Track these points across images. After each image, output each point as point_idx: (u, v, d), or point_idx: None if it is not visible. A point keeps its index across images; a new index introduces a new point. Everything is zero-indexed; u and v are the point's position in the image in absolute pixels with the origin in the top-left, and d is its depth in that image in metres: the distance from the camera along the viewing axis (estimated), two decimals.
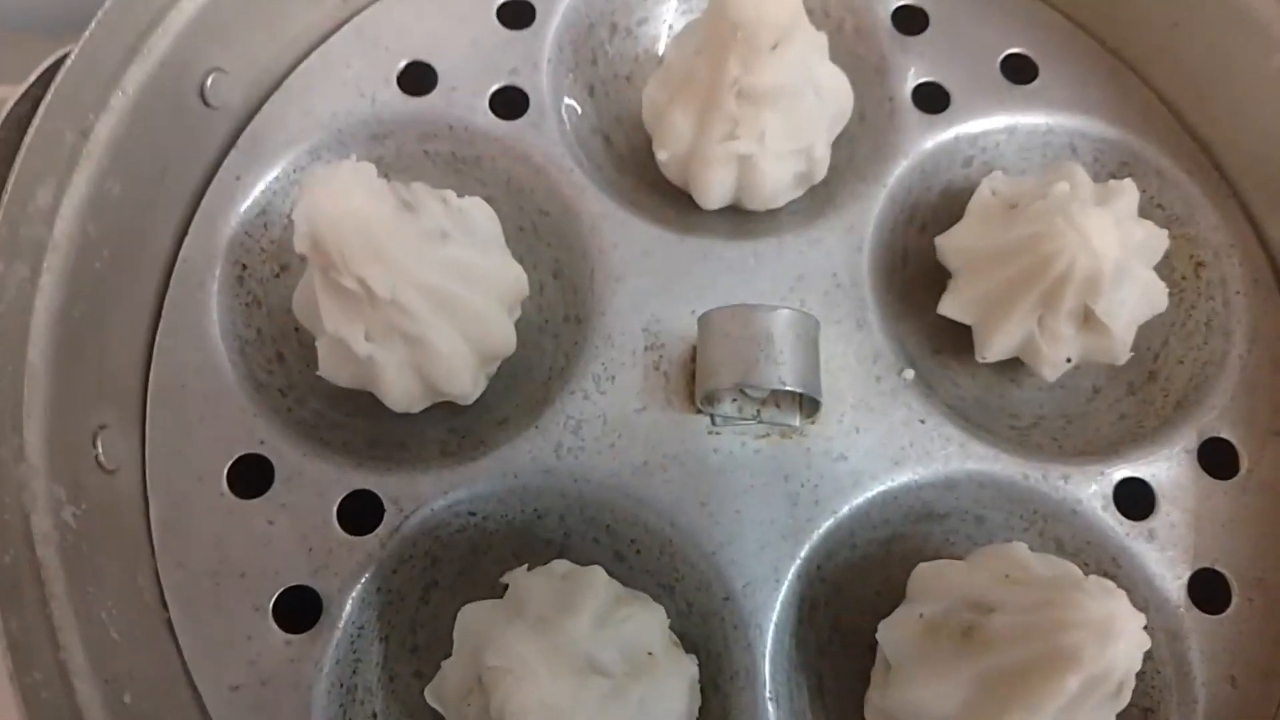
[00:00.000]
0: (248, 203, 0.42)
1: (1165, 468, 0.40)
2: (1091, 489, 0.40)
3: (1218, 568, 0.39)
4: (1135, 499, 0.40)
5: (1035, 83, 0.46)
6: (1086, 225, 0.36)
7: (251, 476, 0.39)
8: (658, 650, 0.36)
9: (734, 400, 0.40)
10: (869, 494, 0.39)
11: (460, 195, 0.40)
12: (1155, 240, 0.40)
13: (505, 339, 0.40)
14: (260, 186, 0.43)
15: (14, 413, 0.33)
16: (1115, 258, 0.36)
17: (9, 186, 0.33)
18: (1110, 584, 0.32)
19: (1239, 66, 0.42)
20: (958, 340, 0.43)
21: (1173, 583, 0.39)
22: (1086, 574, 0.36)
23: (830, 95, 0.43)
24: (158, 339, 0.40)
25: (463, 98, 0.44)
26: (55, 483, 0.34)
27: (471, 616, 0.36)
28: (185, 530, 0.38)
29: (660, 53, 0.48)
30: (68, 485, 0.34)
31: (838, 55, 0.43)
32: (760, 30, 0.38)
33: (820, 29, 0.42)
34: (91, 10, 0.36)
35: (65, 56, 0.36)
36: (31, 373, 0.34)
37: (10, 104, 0.36)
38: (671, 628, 0.38)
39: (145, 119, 0.38)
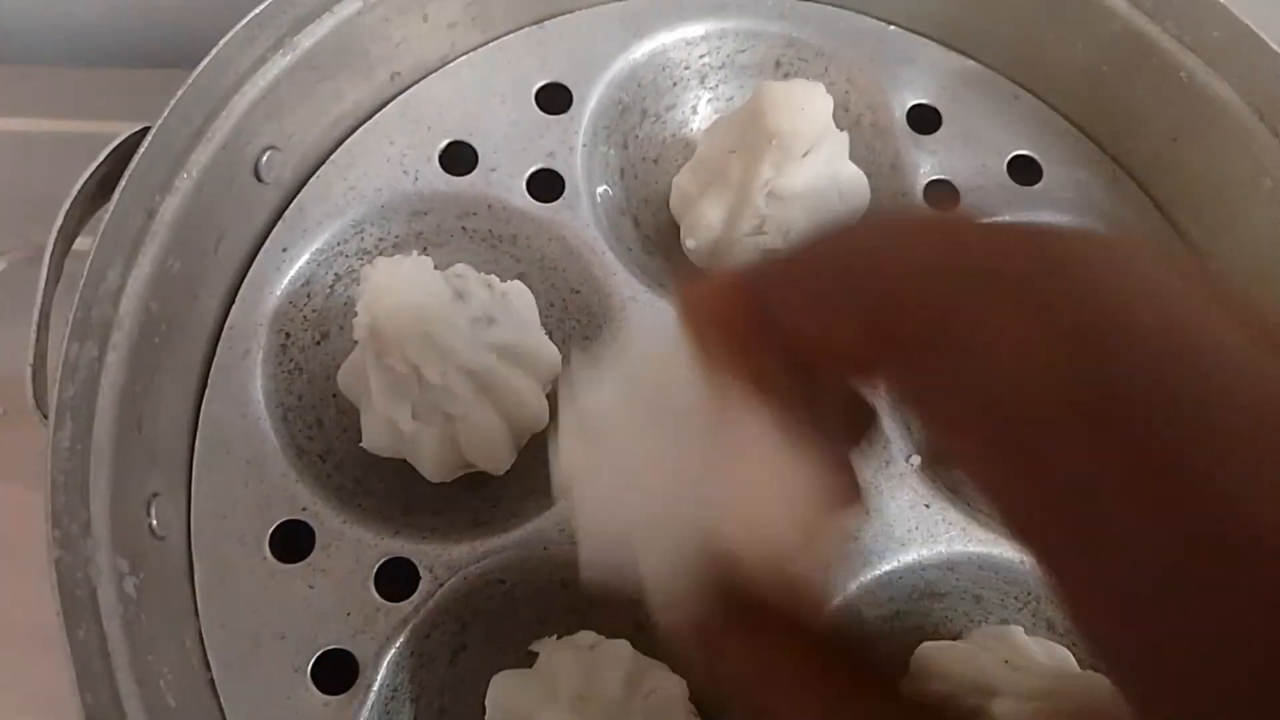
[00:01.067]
0: (292, 273, 0.44)
1: None
2: None
3: None
4: None
5: (1040, 184, 0.49)
6: None
7: (292, 541, 0.41)
8: None
9: None
10: (877, 572, 0.42)
11: (494, 271, 0.42)
12: None
13: (539, 415, 0.42)
14: (304, 258, 0.44)
15: (81, 488, 0.35)
16: None
17: (85, 269, 0.35)
18: (1102, 679, 0.35)
19: (1234, 182, 0.46)
20: None
21: None
22: (1075, 654, 0.39)
23: (850, 193, 0.45)
24: (204, 405, 0.42)
25: (501, 179, 0.46)
26: (118, 554, 0.35)
27: (504, 688, 0.38)
28: (228, 593, 0.40)
29: (685, 136, 0.50)
30: (128, 555, 0.36)
31: (856, 150, 0.46)
32: (795, 139, 0.40)
33: (840, 125, 0.45)
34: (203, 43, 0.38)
35: (135, 135, 0.37)
36: (97, 449, 0.36)
37: (83, 180, 0.37)
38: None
39: (205, 197, 0.40)
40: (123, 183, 0.36)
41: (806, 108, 0.39)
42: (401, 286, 0.35)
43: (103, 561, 0.35)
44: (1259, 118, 0.44)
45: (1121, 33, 0.47)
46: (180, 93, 0.38)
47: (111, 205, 0.35)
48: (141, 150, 0.36)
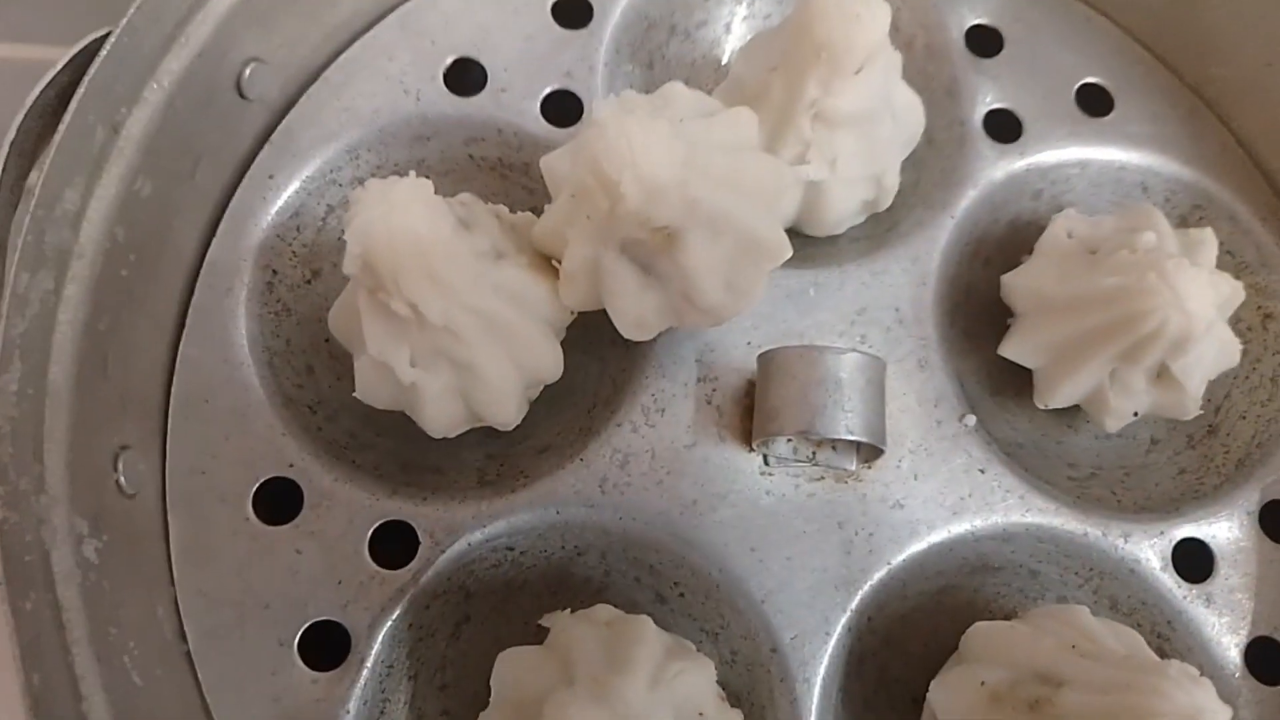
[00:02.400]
0: (280, 203, 0.40)
1: (1225, 529, 0.39)
2: (1150, 548, 0.38)
3: (1276, 636, 0.38)
4: (1194, 560, 0.39)
5: (1110, 115, 0.44)
6: (1182, 285, 0.34)
7: (279, 501, 0.37)
8: (709, 710, 0.34)
9: (789, 440, 0.38)
10: (925, 544, 0.38)
11: (504, 204, 0.38)
12: (1234, 294, 0.39)
13: (554, 364, 0.37)
14: (293, 186, 0.40)
15: (34, 438, 0.31)
16: (1208, 318, 0.35)
17: (36, 189, 0.30)
18: (1194, 671, 0.31)
19: None
20: (1016, 382, 0.41)
21: (1229, 649, 0.38)
22: (1142, 634, 0.36)
23: (904, 118, 0.40)
24: (181, 349, 0.38)
25: (513, 100, 0.41)
26: (76, 514, 0.31)
27: (512, 665, 0.34)
28: (207, 557, 0.36)
29: (718, 58, 0.46)
30: (89, 516, 0.32)
31: (909, 74, 0.41)
32: (847, 53, 0.35)
33: (893, 46, 0.40)
34: None
35: (96, 41, 0.33)
36: (54, 393, 0.31)
37: (35, 92, 0.33)
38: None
39: (179, 113, 0.36)
40: (81, 90, 0.31)
41: (862, 16, 0.35)
42: (397, 212, 0.31)
43: (58, 522, 0.31)
44: None
45: None
46: None
47: (68, 116, 0.31)
48: (103, 53, 0.32)
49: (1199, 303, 0.34)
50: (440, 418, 0.36)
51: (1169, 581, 0.38)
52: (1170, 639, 0.38)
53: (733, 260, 0.34)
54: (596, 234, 0.33)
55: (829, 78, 0.36)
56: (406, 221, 0.31)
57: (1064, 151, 0.43)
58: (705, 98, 0.36)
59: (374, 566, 0.36)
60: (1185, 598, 0.38)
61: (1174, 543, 0.39)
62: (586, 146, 0.30)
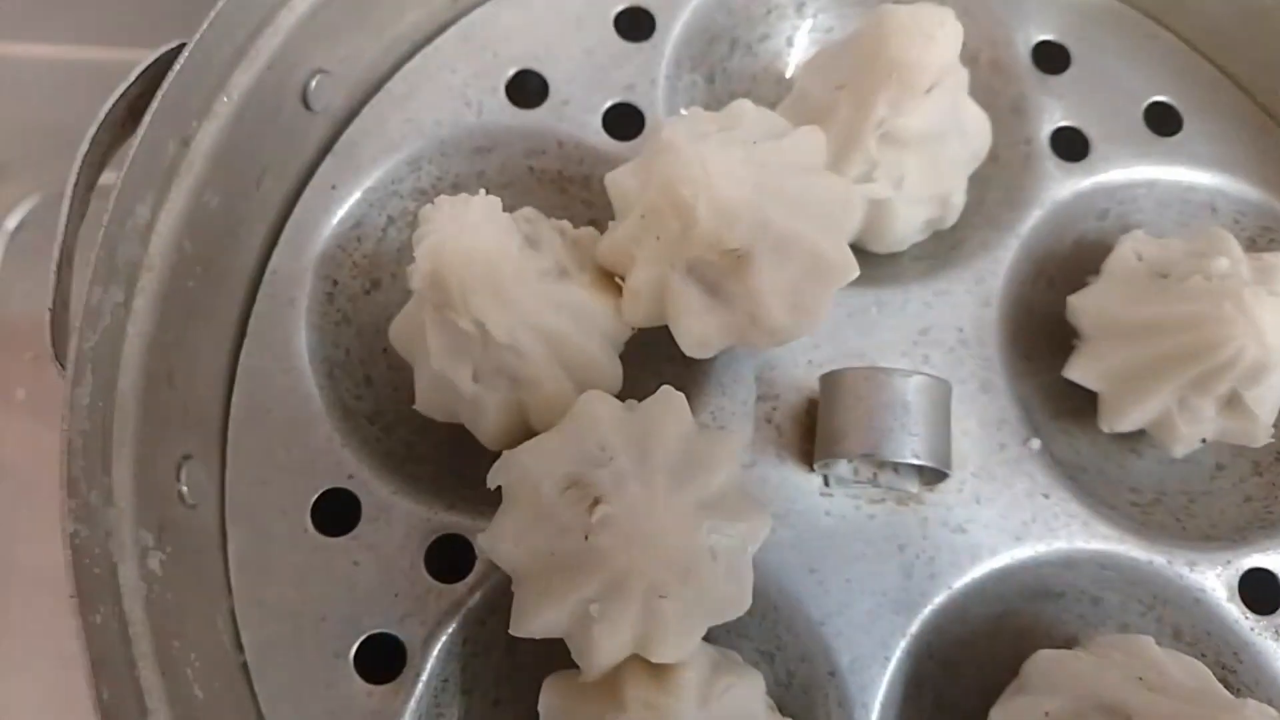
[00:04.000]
0: (341, 213, 0.40)
1: None
2: (1216, 578, 0.38)
3: None
4: (1262, 591, 0.38)
5: (1179, 135, 0.43)
6: (1260, 316, 0.34)
7: (337, 512, 0.37)
8: None
9: (850, 462, 0.38)
10: (987, 569, 0.37)
11: (565, 217, 0.38)
12: None
13: (613, 380, 0.37)
14: (355, 196, 0.40)
15: (103, 451, 0.31)
16: None
17: (110, 202, 0.30)
18: (1272, 712, 0.31)
19: None
20: (1078, 403, 0.41)
21: None
22: (1206, 666, 0.35)
23: (971, 137, 0.40)
24: (242, 359, 0.38)
25: (574, 113, 0.41)
26: (142, 527, 0.31)
27: (560, 691, 0.34)
28: (265, 567, 0.36)
29: (780, 72, 0.45)
30: (154, 528, 0.32)
31: (973, 90, 0.40)
32: (921, 73, 0.35)
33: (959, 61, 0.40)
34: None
35: (169, 54, 0.33)
36: (121, 405, 0.31)
37: (108, 105, 0.33)
38: (769, 695, 0.36)
39: (247, 125, 0.36)
40: (155, 104, 0.31)
41: (936, 36, 0.34)
42: (468, 230, 0.31)
43: (125, 535, 0.31)
44: None
45: None
46: (221, 4, 0.33)
47: (141, 130, 0.31)
48: (176, 68, 0.32)
49: (1277, 334, 0.34)
50: (500, 432, 0.36)
51: (1235, 612, 0.38)
52: (1237, 671, 0.38)
53: (799, 281, 0.33)
54: (665, 254, 0.33)
55: (899, 98, 0.36)
56: (477, 242, 0.31)
57: (1131, 171, 0.42)
58: (773, 116, 0.35)
59: (430, 580, 0.36)
60: (1253, 629, 0.38)
61: (1241, 572, 0.38)
62: (660, 169, 0.30)
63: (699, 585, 0.30)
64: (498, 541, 0.31)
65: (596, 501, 0.28)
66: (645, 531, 0.28)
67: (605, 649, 0.30)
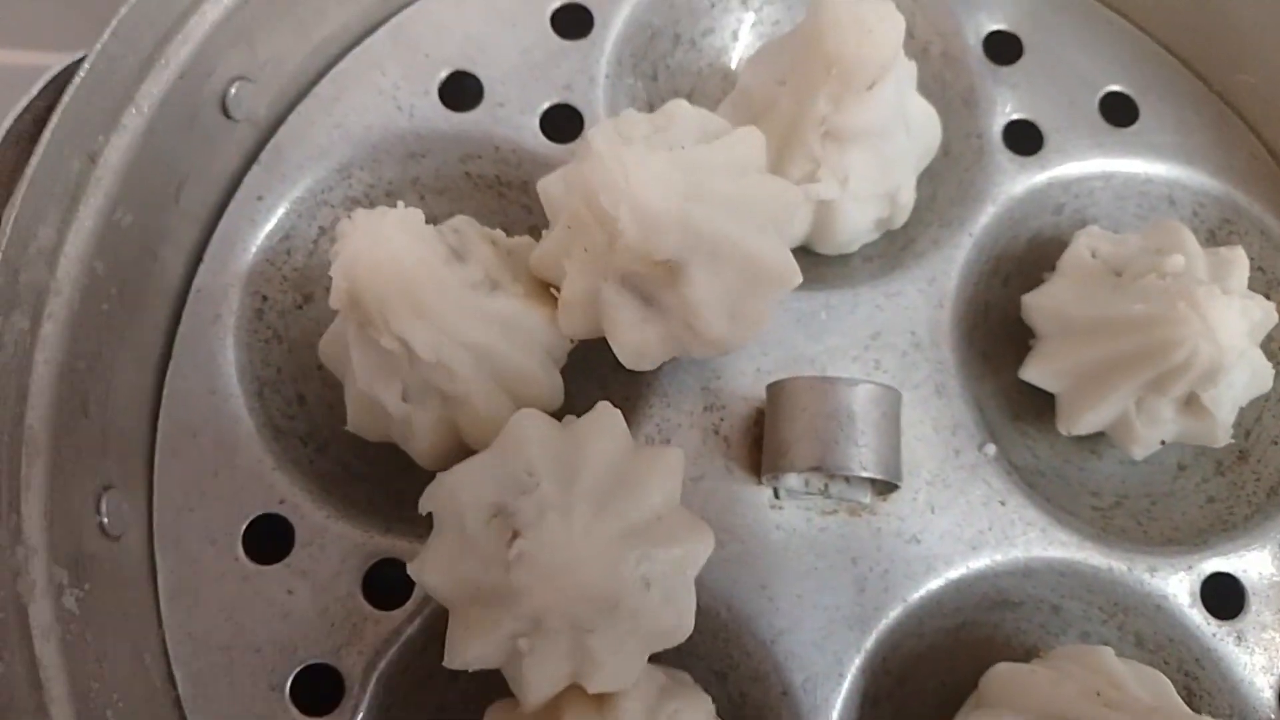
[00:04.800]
0: (269, 226, 0.38)
1: (1257, 562, 0.37)
2: (1178, 583, 0.37)
3: None
4: (1224, 595, 0.37)
5: (1135, 126, 0.42)
6: (1214, 316, 0.33)
7: (270, 539, 0.35)
8: None
9: (799, 473, 0.37)
10: (943, 580, 0.36)
11: (502, 224, 0.37)
12: (1266, 319, 0.37)
13: (551, 394, 0.36)
14: (283, 208, 0.38)
15: (10, 487, 0.29)
16: (1240, 349, 0.33)
17: (8, 226, 0.29)
18: None
19: None
20: (1037, 405, 0.40)
21: (1262, 691, 0.36)
22: (1168, 673, 0.34)
23: (919, 131, 0.39)
24: (167, 381, 0.36)
25: (511, 115, 0.40)
26: (56, 564, 0.30)
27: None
28: (196, 598, 0.35)
29: (725, 67, 0.44)
30: (69, 565, 0.30)
31: (923, 83, 0.39)
32: (860, 69, 0.34)
33: (905, 52, 0.38)
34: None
35: (71, 67, 0.31)
36: (30, 438, 0.30)
37: (9, 120, 0.31)
38: (721, 717, 0.35)
39: (160, 137, 0.34)
40: (53, 121, 0.30)
41: (875, 29, 0.33)
42: (384, 244, 0.29)
43: (36, 574, 0.29)
44: None
45: None
46: (123, 11, 0.31)
47: (40, 149, 0.29)
48: (76, 81, 0.30)
49: (1231, 334, 0.33)
50: (433, 451, 0.35)
51: (1198, 618, 0.37)
52: (1199, 678, 0.37)
53: (737, 289, 0.32)
54: (595, 266, 0.31)
55: (840, 94, 0.34)
56: (392, 255, 0.30)
57: (1087, 164, 0.41)
58: (710, 116, 0.34)
59: (368, 608, 0.35)
60: (1215, 635, 0.37)
61: (1203, 577, 0.37)
62: (582, 178, 0.28)
63: (631, 616, 0.28)
64: (425, 572, 0.30)
65: (515, 535, 0.27)
66: (562, 567, 0.26)
67: (538, 683, 0.29)
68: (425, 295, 0.31)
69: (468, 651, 0.30)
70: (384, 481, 0.38)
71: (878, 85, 0.35)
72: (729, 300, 0.32)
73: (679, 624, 0.31)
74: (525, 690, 0.29)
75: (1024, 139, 0.41)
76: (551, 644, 0.28)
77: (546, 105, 0.40)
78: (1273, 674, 0.36)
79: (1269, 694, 0.36)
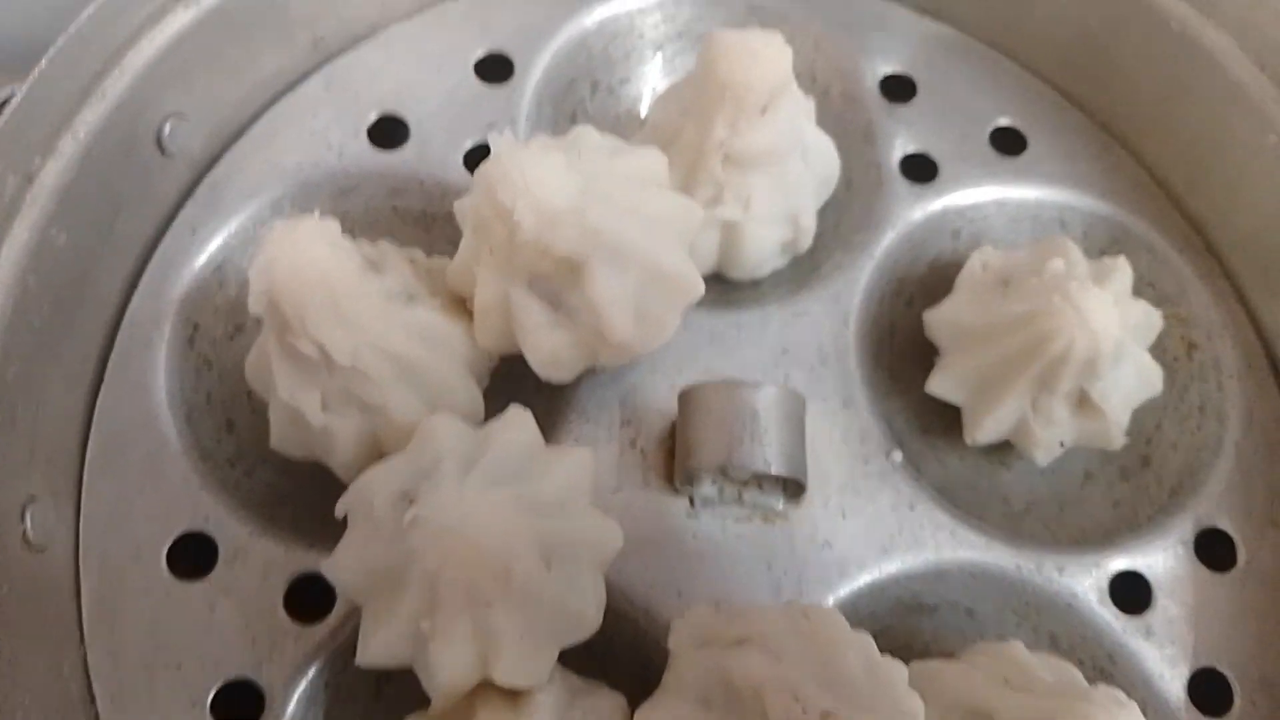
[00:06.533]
0: (203, 258, 0.40)
1: (1161, 559, 0.38)
2: (1087, 581, 0.38)
3: (1219, 667, 0.37)
4: (1132, 592, 0.38)
5: (1024, 155, 0.45)
6: (1085, 304, 0.35)
7: (194, 555, 0.36)
8: None
9: (714, 481, 0.38)
10: (856, 584, 0.37)
11: (430, 255, 0.38)
12: (1150, 320, 0.39)
13: (470, 406, 0.37)
14: (217, 241, 0.40)
15: None
16: (1115, 337, 0.35)
17: None
18: (1120, 694, 0.31)
19: (1233, 144, 0.42)
20: (947, 420, 0.41)
21: (1172, 682, 0.37)
22: (1083, 671, 0.35)
23: (818, 161, 0.41)
24: (99, 401, 0.37)
25: (436, 153, 0.42)
26: None
27: None
28: (119, 615, 0.35)
29: (640, 112, 0.47)
30: None
31: (825, 121, 0.42)
32: (749, 92, 0.36)
33: (808, 93, 0.41)
34: (43, 47, 0.33)
35: (11, 98, 0.33)
36: None
37: None
38: None
39: (96, 165, 0.36)
40: None
41: (760, 53, 0.36)
42: (301, 249, 0.31)
43: None
44: (1259, 68, 0.40)
45: None
46: (62, 41, 0.34)
47: None
48: (14, 103, 0.32)
49: (1102, 321, 0.34)
50: (354, 464, 0.36)
51: (1108, 615, 0.38)
52: (1112, 674, 0.37)
53: (641, 292, 0.34)
54: (502, 268, 0.33)
55: (735, 118, 0.37)
56: (310, 259, 0.31)
57: (980, 191, 0.44)
58: (616, 141, 0.36)
59: (290, 623, 0.35)
60: (1125, 630, 0.37)
61: (1110, 575, 0.38)
62: (482, 178, 0.30)
63: (531, 597, 0.29)
64: (336, 568, 0.31)
65: (411, 504, 0.28)
66: (451, 527, 0.27)
67: (444, 668, 0.30)
68: (341, 299, 0.32)
69: (374, 642, 0.30)
70: (309, 502, 0.38)
71: (770, 110, 0.37)
72: (634, 303, 0.34)
73: (583, 611, 0.31)
74: (433, 676, 0.30)
75: (920, 169, 0.44)
76: (452, 623, 0.29)
77: (470, 144, 0.42)
78: (1182, 665, 0.37)
79: (1179, 685, 0.37)
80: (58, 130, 0.35)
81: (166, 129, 0.39)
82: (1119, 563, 0.38)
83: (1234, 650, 0.37)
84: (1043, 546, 0.39)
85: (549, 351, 0.35)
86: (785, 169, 0.39)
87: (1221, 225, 0.43)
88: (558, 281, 0.33)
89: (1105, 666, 0.38)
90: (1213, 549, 0.39)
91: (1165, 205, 0.44)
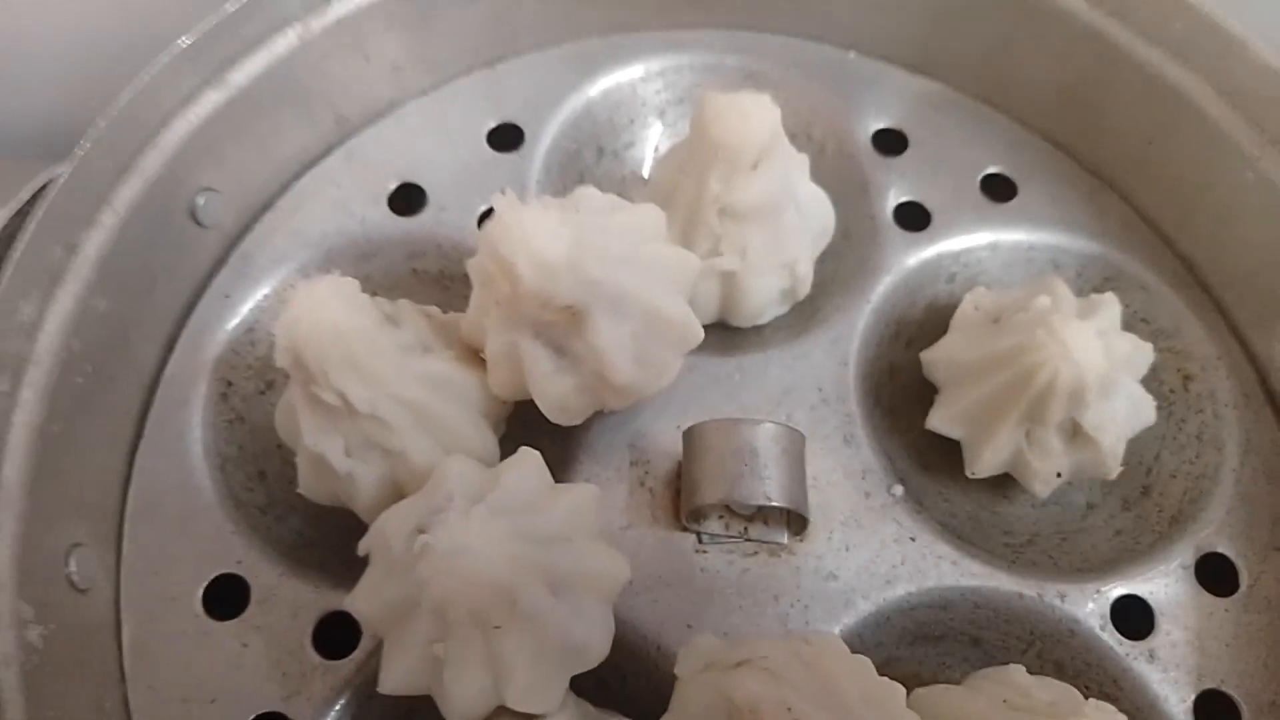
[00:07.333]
0: (236, 320, 0.43)
1: (1163, 585, 0.39)
2: (1089, 608, 0.39)
3: (1225, 689, 0.38)
4: (1134, 618, 0.39)
5: (1015, 200, 0.47)
6: (1068, 337, 0.36)
7: (227, 597, 0.38)
8: None
9: (720, 517, 0.39)
10: (861, 614, 0.38)
11: (446, 311, 0.40)
12: (1140, 353, 0.40)
13: (486, 452, 0.39)
14: (249, 305, 0.43)
15: None
16: (1099, 367, 0.36)
17: None
18: (1110, 708, 0.31)
19: (1216, 182, 0.43)
20: (948, 457, 0.42)
21: (1178, 705, 0.37)
22: (1089, 697, 0.35)
23: (812, 213, 0.43)
24: (138, 456, 0.40)
25: (452, 217, 0.45)
26: (22, 600, 0.33)
27: None
28: (157, 653, 0.37)
29: (644, 175, 0.49)
30: (36, 604, 0.33)
31: (822, 176, 0.44)
32: (739, 150, 0.38)
33: (803, 151, 0.43)
34: (78, 134, 0.37)
35: (57, 177, 0.37)
36: (5, 487, 0.33)
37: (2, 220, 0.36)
38: None
39: (135, 236, 0.39)
40: (38, 213, 0.35)
41: (750, 113, 0.38)
42: (320, 306, 0.33)
43: (3, 605, 0.32)
44: (1232, 107, 0.42)
45: (1084, 35, 0.45)
46: (102, 123, 0.37)
47: (26, 235, 0.34)
48: (59, 181, 0.35)
49: (1085, 352, 0.36)
50: (375, 506, 0.37)
51: (1110, 641, 0.38)
52: (1118, 699, 0.38)
53: (642, 338, 0.36)
54: (509, 319, 0.35)
55: (728, 173, 0.39)
56: (329, 315, 0.34)
57: (972, 236, 0.45)
58: (616, 199, 0.39)
59: (317, 658, 0.37)
60: (1128, 655, 0.38)
61: (1112, 601, 0.39)
62: (486, 235, 0.33)
63: (538, 622, 0.31)
64: (357, 601, 0.33)
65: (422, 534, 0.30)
66: (457, 553, 0.29)
67: (460, 694, 0.31)
68: (359, 352, 0.34)
69: (393, 670, 0.32)
70: (335, 545, 0.40)
71: (762, 165, 0.39)
72: (634, 348, 0.36)
73: (590, 640, 0.33)
74: (450, 702, 0.31)
75: (913, 218, 0.46)
76: (464, 646, 0.30)
77: (484, 208, 0.45)
78: (1187, 689, 0.38)
79: (1184, 708, 0.37)
80: (99, 205, 0.38)
81: (200, 202, 0.42)
82: (1120, 589, 0.39)
83: (1241, 673, 0.38)
84: (1045, 574, 0.39)
85: (557, 396, 0.37)
86: (780, 220, 0.41)
87: (1211, 261, 0.45)
88: (561, 330, 0.35)
89: (1111, 691, 0.38)
90: (1214, 574, 0.40)
91: (1156, 244, 0.46)
